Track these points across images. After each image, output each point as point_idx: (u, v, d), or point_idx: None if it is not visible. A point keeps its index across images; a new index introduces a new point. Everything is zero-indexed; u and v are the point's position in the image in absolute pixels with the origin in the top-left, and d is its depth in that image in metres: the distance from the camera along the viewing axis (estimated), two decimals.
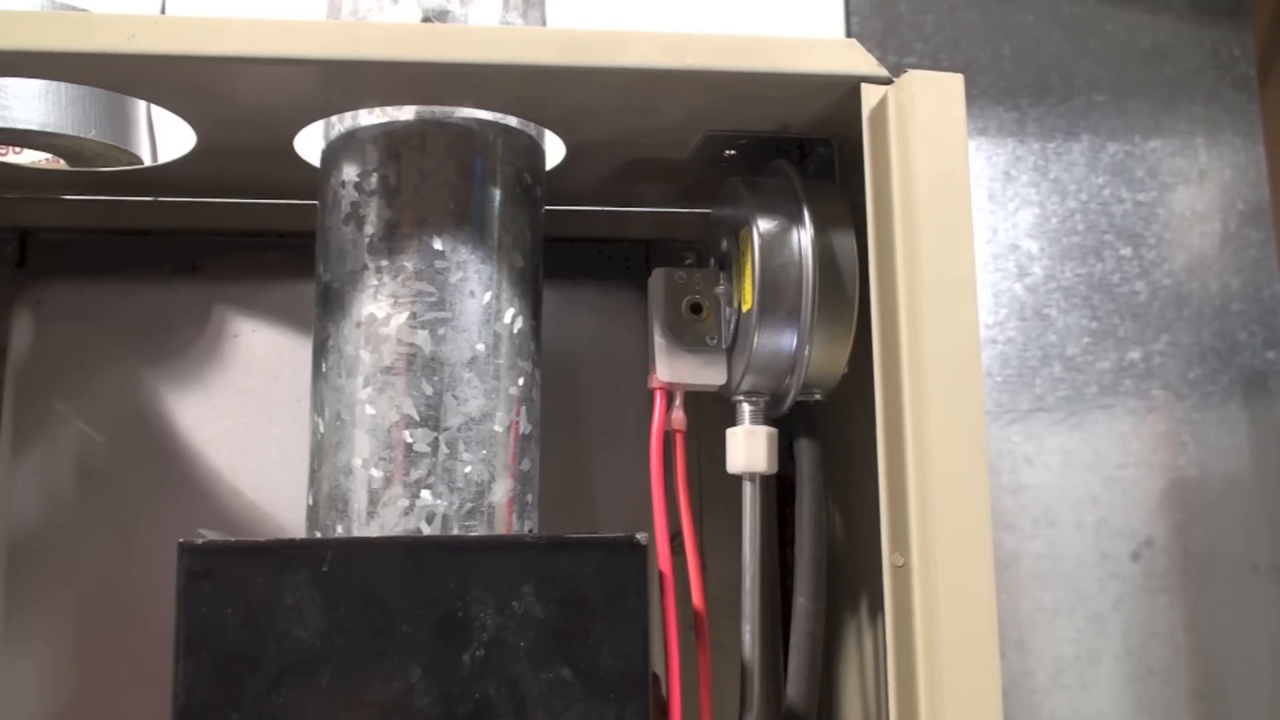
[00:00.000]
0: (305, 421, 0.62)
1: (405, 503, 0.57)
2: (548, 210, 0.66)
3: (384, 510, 0.57)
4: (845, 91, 0.57)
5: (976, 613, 0.50)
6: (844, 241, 0.60)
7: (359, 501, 0.58)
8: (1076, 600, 0.85)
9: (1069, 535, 0.85)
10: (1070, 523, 0.85)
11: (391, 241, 0.59)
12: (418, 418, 0.58)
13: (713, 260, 0.67)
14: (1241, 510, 0.87)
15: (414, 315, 0.58)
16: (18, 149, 0.71)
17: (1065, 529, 0.85)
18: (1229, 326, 0.89)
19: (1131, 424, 0.87)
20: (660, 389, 0.65)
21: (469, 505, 0.58)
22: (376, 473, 0.57)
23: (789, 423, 0.65)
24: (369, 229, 0.59)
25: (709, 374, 0.65)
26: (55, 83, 0.67)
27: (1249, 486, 0.88)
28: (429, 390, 0.58)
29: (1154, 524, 0.86)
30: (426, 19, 0.60)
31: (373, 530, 0.57)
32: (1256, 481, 0.88)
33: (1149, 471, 0.87)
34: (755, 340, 0.61)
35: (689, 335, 0.64)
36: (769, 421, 0.64)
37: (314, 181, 0.64)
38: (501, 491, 0.59)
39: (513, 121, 0.62)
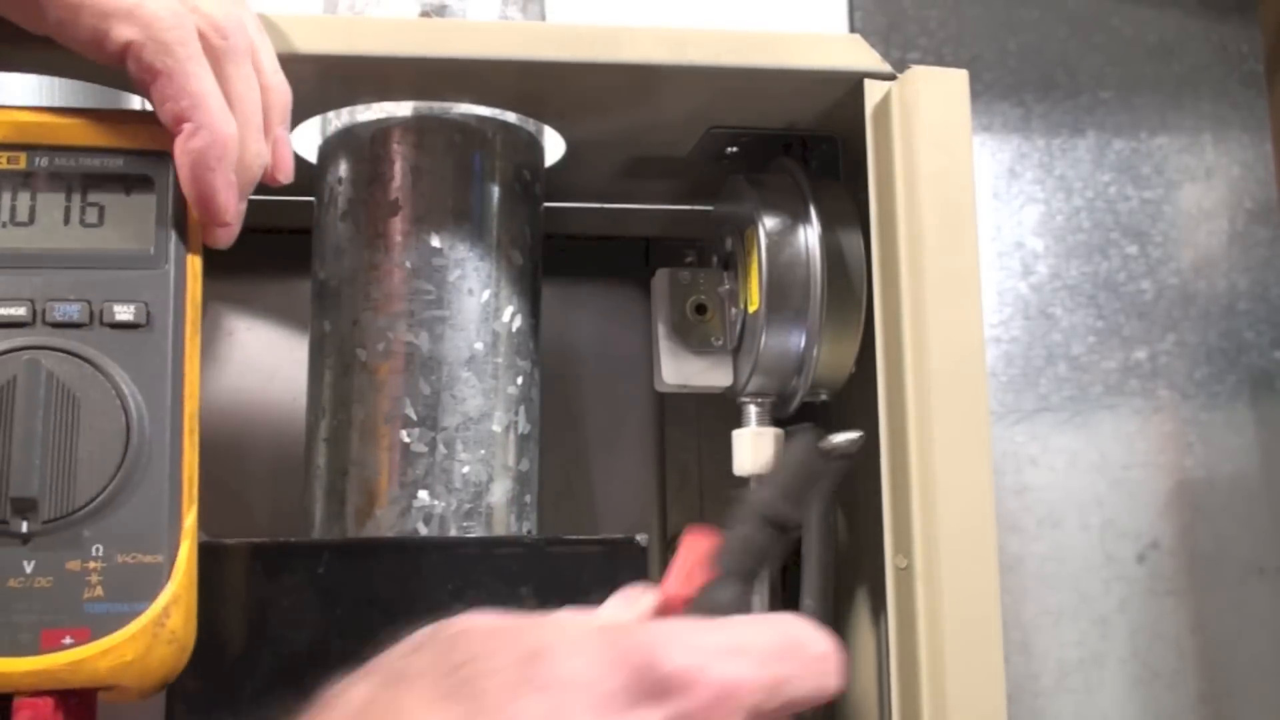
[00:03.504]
0: (301, 421, 0.61)
1: (403, 503, 0.56)
2: (547, 207, 0.65)
3: (381, 511, 0.57)
4: (848, 88, 0.56)
5: (980, 615, 0.50)
6: (851, 239, 0.60)
7: (356, 502, 0.57)
8: (1081, 603, 0.84)
9: (1074, 537, 0.85)
10: (1075, 524, 0.85)
11: (388, 239, 0.58)
12: (415, 417, 0.57)
13: (715, 259, 0.67)
14: (1248, 512, 0.87)
15: (411, 313, 0.58)
16: None
17: (1070, 531, 0.85)
18: (1236, 326, 0.89)
19: (1137, 424, 0.87)
20: None
21: (467, 506, 0.57)
22: (373, 473, 0.57)
23: (789, 424, 0.64)
24: (365, 226, 0.59)
25: (715, 376, 0.64)
26: (49, 78, 0.66)
27: (1256, 488, 0.87)
28: (426, 389, 0.57)
29: (1160, 526, 0.86)
30: (425, 13, 0.60)
31: (369, 531, 0.56)
32: (1264, 482, 0.87)
33: (1155, 472, 0.86)
34: (762, 341, 0.60)
35: (694, 337, 0.64)
36: (774, 423, 0.63)
37: (310, 178, 0.63)
38: (500, 492, 0.58)
39: (511, 117, 0.61)
